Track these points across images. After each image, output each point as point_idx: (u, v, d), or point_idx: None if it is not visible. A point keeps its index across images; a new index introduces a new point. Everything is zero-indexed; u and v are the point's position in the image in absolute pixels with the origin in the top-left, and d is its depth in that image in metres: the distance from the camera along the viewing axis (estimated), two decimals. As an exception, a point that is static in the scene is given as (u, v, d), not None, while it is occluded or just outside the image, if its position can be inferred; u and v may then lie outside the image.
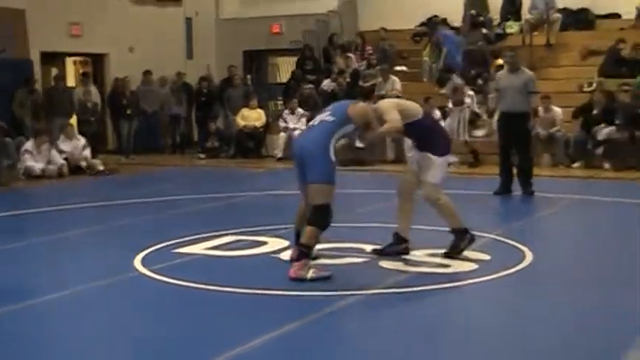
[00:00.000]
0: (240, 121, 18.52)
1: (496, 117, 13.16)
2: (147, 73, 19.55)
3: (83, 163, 15.87)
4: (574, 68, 17.99)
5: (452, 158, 7.55)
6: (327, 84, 18.90)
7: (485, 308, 6.52)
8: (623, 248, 8.60)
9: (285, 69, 22.65)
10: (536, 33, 18.76)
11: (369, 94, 15.91)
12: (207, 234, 8.95)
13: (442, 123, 14.02)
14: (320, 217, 6.89)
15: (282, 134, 17.85)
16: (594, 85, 16.49)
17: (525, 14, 19.44)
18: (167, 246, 8.41)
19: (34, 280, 7.36)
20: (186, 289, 6.79)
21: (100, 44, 19.62)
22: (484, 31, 19.33)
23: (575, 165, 15.38)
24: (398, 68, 18.90)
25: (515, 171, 12.01)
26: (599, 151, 15.20)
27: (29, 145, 15.31)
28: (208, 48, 22.29)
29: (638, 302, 6.35)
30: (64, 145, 15.95)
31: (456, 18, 20.22)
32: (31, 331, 5.78)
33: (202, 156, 18.52)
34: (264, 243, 8.51)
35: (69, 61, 20.54)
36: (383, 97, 14.48)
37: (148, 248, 8.24)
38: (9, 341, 5.54)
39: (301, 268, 6.89)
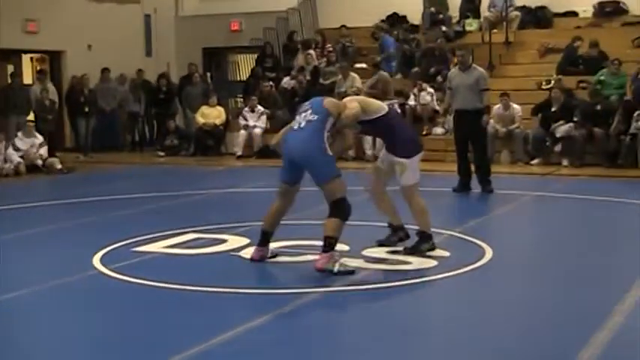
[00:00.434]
0: (200, 119, 18.42)
1: (449, 114, 13.27)
2: (105, 70, 19.37)
3: (39, 162, 15.70)
4: (532, 66, 18.12)
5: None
6: (287, 82, 18.88)
7: (445, 304, 6.54)
8: (581, 244, 8.68)
9: (245, 66, 22.58)
10: (495, 31, 18.86)
11: (329, 92, 15.86)
12: (167, 232, 8.90)
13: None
14: (342, 209, 7.04)
15: (242, 132, 17.78)
16: (553, 82, 16.62)
17: (484, 12, 19.57)
18: (126, 244, 8.35)
19: (-10, 279, 7.28)
20: (146, 288, 6.75)
21: (58, 41, 19.41)
22: (443, 28, 19.39)
23: (534, 162, 15.49)
24: (358, 65, 18.91)
25: (473, 168, 12.08)
26: (558, 148, 15.32)
27: (-15, 143, 15.14)
28: (168, 45, 22.15)
29: (596, 298, 6.41)
30: (21, 143, 15.76)
31: (416, 16, 20.31)
32: (-13, 331, 5.71)
33: (162, 154, 18.41)
34: (224, 241, 8.48)
35: (25, 58, 20.29)
36: (345, 94, 14.46)
37: (107, 247, 8.17)
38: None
39: (328, 260, 6.96)
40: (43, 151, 15.95)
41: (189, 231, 8.97)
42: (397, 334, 5.59)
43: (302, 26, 21.16)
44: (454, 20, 19.92)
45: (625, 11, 18.91)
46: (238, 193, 12.64)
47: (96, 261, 7.61)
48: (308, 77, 18.50)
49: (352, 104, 7.48)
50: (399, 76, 18.75)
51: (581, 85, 16.50)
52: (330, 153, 7.11)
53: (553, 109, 15.53)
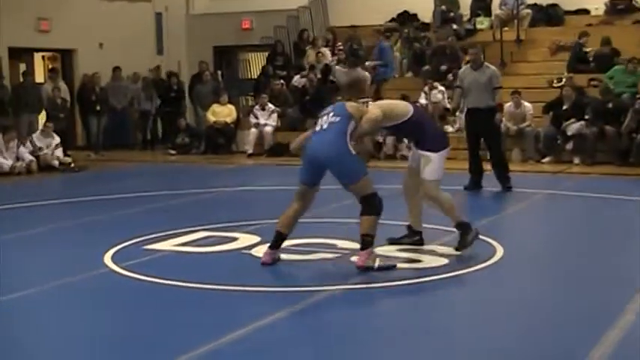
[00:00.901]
0: (211, 117, 18.44)
1: (460, 112, 13.24)
2: (116, 69, 19.42)
3: (55, 162, 15.76)
4: (544, 64, 18.07)
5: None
6: (297, 80, 18.88)
7: (456, 302, 6.52)
8: (593, 243, 8.65)
9: (255, 65, 22.61)
10: (506, 29, 18.81)
11: (337, 90, 15.85)
12: (178, 230, 8.90)
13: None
14: (373, 205, 7.08)
15: (253, 130, 17.80)
16: (564, 80, 16.58)
17: (495, 10, 19.53)
18: (137, 242, 8.36)
19: (2, 277, 7.26)
20: (156, 286, 6.76)
21: (69, 40, 19.48)
22: (454, 26, 19.37)
23: (545, 160, 15.46)
24: (369, 63, 18.87)
25: (489, 166, 12.06)
26: (569, 146, 15.28)
27: (-3, 141, 15.20)
28: (178, 44, 22.19)
29: (607, 297, 6.39)
30: (39, 142, 15.84)
31: (427, 14, 20.29)
32: (-1, 329, 5.72)
33: (173, 152, 18.43)
34: (235, 239, 8.48)
35: (37, 56, 20.36)
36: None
37: (118, 245, 8.19)
38: (-24, 340, 5.49)
39: (368, 257, 7.01)
40: (59, 152, 16.01)
41: (200, 229, 8.98)
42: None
43: (313, 24, 21.17)
44: (465, 18, 19.89)
45: (637, 9, 18.86)
46: (249, 192, 12.65)
47: (107, 259, 7.63)
48: (319, 75, 18.50)
49: (374, 110, 7.40)
50: (409, 74, 18.77)
51: (592, 83, 16.45)
52: (354, 152, 7.11)
53: (564, 107, 15.48)
